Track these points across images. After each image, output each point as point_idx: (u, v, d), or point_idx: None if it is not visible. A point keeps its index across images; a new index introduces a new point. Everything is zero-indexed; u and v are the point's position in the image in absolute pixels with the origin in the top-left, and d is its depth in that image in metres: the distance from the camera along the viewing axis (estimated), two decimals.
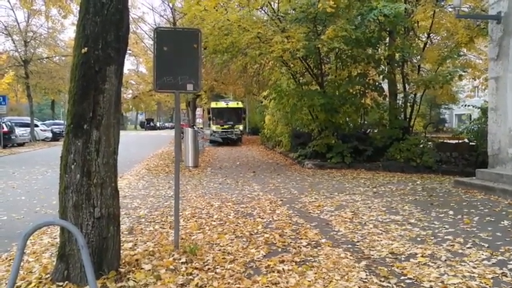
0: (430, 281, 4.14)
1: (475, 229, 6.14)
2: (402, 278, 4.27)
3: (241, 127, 29.16)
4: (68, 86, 4.64)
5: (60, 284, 4.00)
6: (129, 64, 56.32)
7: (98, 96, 4.07)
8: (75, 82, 4.08)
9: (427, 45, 15.40)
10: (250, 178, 12.14)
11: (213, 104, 29.23)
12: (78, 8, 4.25)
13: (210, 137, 27.49)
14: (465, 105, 17.01)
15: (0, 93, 24.37)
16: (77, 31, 4.19)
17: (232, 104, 29.34)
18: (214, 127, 28.34)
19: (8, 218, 7.40)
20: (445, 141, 15.57)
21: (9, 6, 29.04)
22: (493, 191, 8.95)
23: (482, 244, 5.34)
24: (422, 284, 4.09)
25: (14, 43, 30.91)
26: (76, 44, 4.15)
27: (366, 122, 16.97)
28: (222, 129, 27.92)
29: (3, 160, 18.18)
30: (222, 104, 29.31)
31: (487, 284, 4.05)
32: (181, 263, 4.68)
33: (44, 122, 37.85)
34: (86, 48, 4.03)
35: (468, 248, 5.21)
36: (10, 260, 5.03)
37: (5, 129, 24.44)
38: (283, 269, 4.51)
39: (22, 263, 4.40)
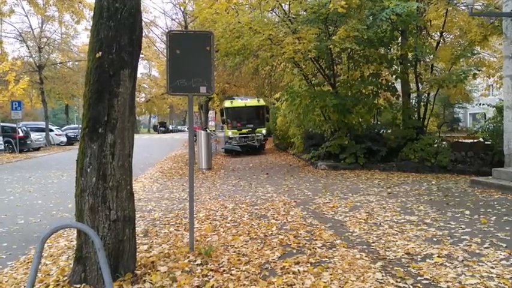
0: (447, 282, 4.09)
1: (492, 229, 6.06)
2: (419, 278, 4.23)
3: (263, 131, 22.62)
4: (81, 90, 4.71)
5: (78, 286, 4.04)
6: (141, 68, 56.81)
7: (112, 100, 4.11)
8: (89, 86, 4.13)
9: (440, 44, 15.26)
10: (264, 180, 12.14)
11: (228, 103, 22.67)
12: (91, 14, 4.32)
13: (225, 146, 22.21)
14: (479, 104, 16.81)
15: (16, 99, 24.70)
16: (91, 36, 4.24)
17: (252, 102, 23.01)
18: (230, 132, 22.18)
19: (25, 221, 7.51)
20: (460, 140, 15.40)
21: (23, 13, 29.57)
22: (510, 190, 8.81)
23: (500, 244, 5.26)
24: (439, 285, 4.05)
25: (29, 49, 31.42)
26: (90, 49, 4.20)
27: (379, 123, 16.84)
28: (240, 134, 21.97)
29: (20, 165, 18.43)
30: (239, 103, 22.73)
31: (506, 285, 3.99)
32: (197, 264, 4.70)
33: (61, 128, 38.29)
34: (100, 53, 4.08)
35: (485, 248, 5.14)
36: (28, 262, 5.10)
37: (21, 134, 24.80)
38: (298, 270, 4.51)
39: (40, 266, 4.45)
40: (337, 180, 11.51)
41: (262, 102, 23.16)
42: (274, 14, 16.61)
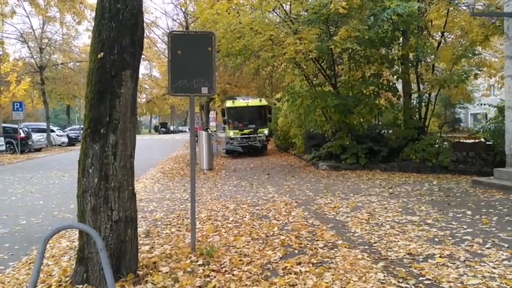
0: (449, 282, 4.09)
1: (494, 229, 6.05)
2: (421, 278, 4.23)
3: (266, 131, 22.35)
4: (82, 91, 4.72)
5: (80, 286, 4.05)
6: (142, 68, 56.70)
7: (114, 101, 4.11)
8: (91, 87, 4.13)
9: (441, 44, 15.25)
10: (265, 180, 12.13)
11: (229, 103, 22.46)
12: (92, 14, 4.33)
13: (226, 146, 21.80)
14: (481, 104, 16.79)
15: (17, 100, 24.74)
16: (93, 36, 4.24)
17: (254, 102, 22.60)
18: (231, 132, 21.91)
19: (27, 222, 7.52)
20: (461, 140, 15.37)
21: (24, 13, 29.60)
22: (511, 191, 8.81)
23: (502, 244, 5.26)
24: (441, 285, 4.05)
25: (30, 50, 31.48)
26: (92, 49, 4.20)
27: (380, 123, 16.82)
28: (242, 134, 21.64)
29: (21, 165, 18.45)
30: (240, 103, 22.50)
31: (508, 285, 3.99)
32: (199, 265, 4.70)
33: (62, 128, 38.33)
34: (101, 53, 4.08)
35: (487, 248, 5.13)
36: (30, 263, 5.11)
37: (22, 135, 24.84)
38: (300, 270, 4.50)
39: (42, 267, 4.45)
40: (339, 181, 11.50)
41: (264, 102, 22.67)
42: (275, 14, 16.61)
